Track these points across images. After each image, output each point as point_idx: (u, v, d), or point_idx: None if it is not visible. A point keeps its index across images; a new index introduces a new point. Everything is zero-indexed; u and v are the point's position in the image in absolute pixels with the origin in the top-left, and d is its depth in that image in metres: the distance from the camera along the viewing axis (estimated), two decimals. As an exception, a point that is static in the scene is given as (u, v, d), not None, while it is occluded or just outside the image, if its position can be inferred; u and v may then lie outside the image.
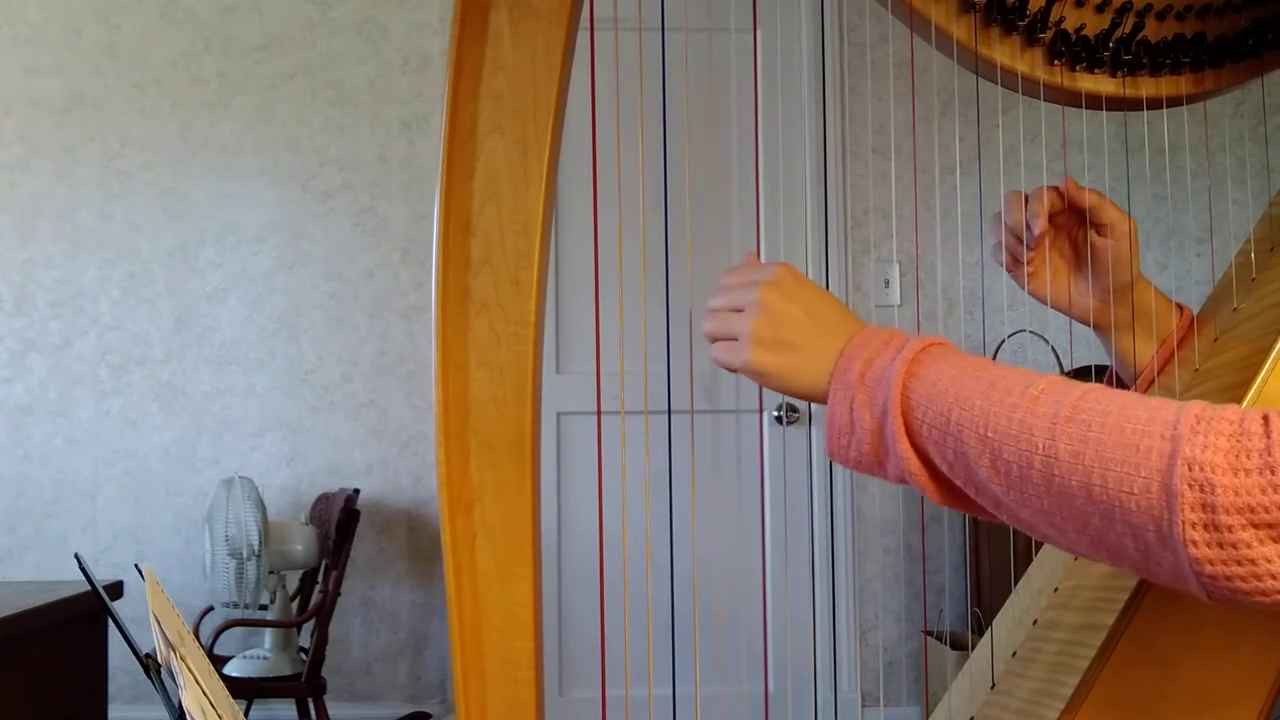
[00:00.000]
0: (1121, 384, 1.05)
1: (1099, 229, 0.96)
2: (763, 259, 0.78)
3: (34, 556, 3.17)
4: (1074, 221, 0.98)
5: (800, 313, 0.73)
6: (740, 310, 0.75)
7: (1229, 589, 0.54)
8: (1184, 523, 0.54)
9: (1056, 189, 0.97)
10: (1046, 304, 1.00)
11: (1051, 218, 0.97)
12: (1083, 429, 0.58)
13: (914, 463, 0.67)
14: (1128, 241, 0.95)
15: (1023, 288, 1.00)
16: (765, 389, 0.75)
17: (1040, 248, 0.98)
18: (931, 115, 3.26)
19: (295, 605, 2.87)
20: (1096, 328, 1.01)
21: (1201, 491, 0.53)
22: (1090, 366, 1.89)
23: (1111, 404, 0.59)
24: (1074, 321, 1.01)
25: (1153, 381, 0.98)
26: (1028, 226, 0.95)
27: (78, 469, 3.18)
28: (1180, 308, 1.01)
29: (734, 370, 0.75)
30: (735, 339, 0.74)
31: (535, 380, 0.86)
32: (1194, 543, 0.54)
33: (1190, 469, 0.54)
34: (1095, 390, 0.60)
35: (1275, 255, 0.96)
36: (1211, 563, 0.54)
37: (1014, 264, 0.99)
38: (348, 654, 3.18)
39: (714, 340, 0.76)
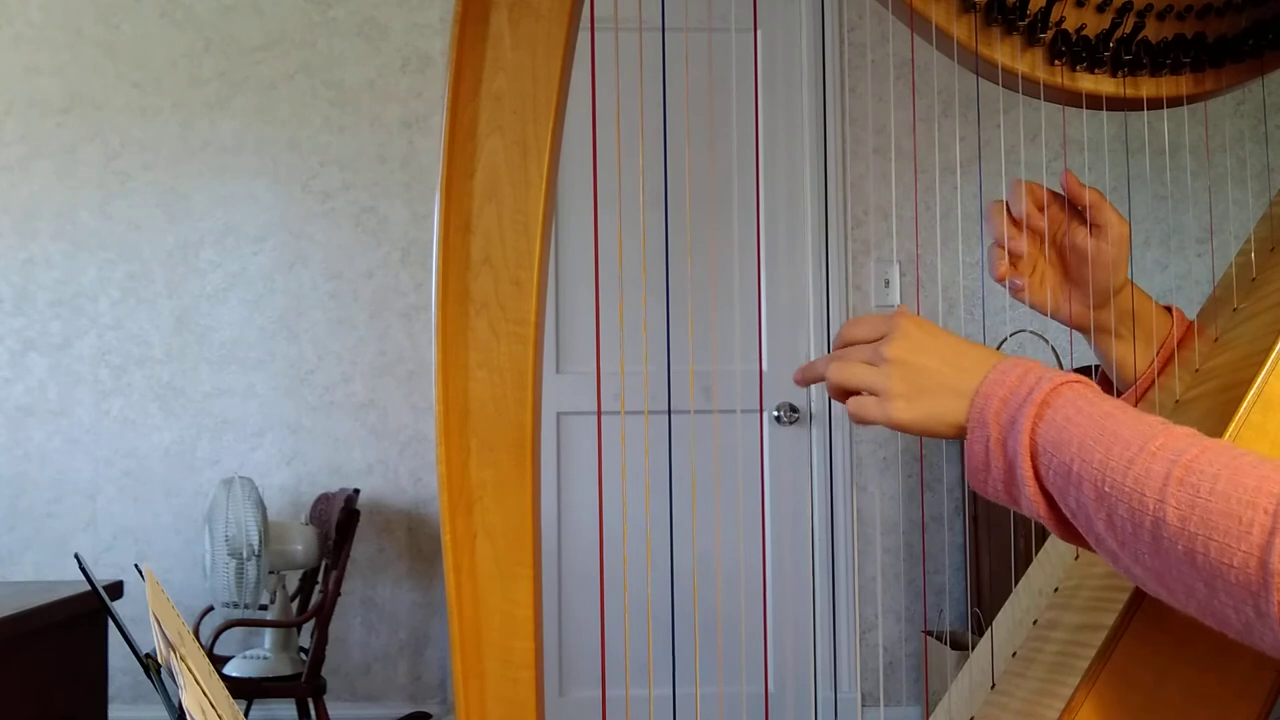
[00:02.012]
0: (1109, 386, 1.04)
1: (1093, 229, 0.95)
2: (763, 259, 0.78)
3: (34, 556, 3.17)
4: (1064, 222, 0.97)
5: (932, 359, 0.73)
6: (871, 365, 0.75)
7: None
8: (1278, 604, 0.53)
9: (1052, 192, 0.96)
10: (1027, 305, 0.99)
11: (1038, 207, 0.95)
12: (1191, 493, 0.57)
13: (1042, 507, 0.67)
14: (1120, 246, 0.94)
15: (1016, 295, 0.99)
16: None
17: (1031, 252, 0.96)
18: (932, 115, 3.26)
19: (295, 605, 2.87)
20: (1079, 330, 1.01)
21: None
22: (1091, 366, 1.89)
23: (1224, 467, 0.57)
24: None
25: (1153, 383, 0.98)
26: (1018, 226, 0.94)
27: (78, 469, 3.18)
28: (1169, 309, 1.00)
29: (871, 424, 0.75)
30: (871, 393, 0.75)
31: (535, 380, 0.86)
32: None
33: None
34: (1212, 450, 0.59)
35: (1276, 255, 0.96)
36: None
37: (1010, 271, 0.98)
38: (348, 654, 3.18)
39: (844, 394, 0.77)
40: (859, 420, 0.75)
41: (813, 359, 0.85)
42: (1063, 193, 0.96)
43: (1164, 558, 0.59)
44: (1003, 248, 0.95)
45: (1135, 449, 0.61)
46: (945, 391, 0.72)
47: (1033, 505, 0.67)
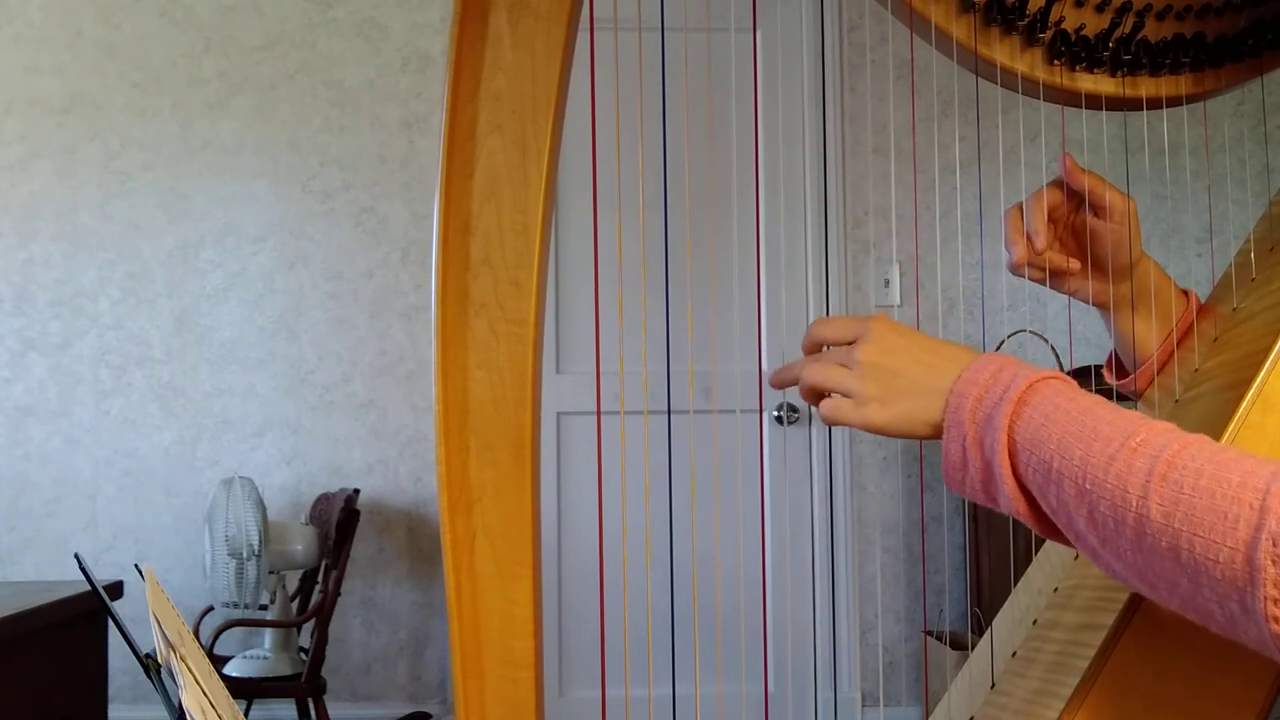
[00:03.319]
0: (1120, 365, 1.04)
1: (1097, 212, 0.95)
2: (763, 259, 0.79)
3: (34, 556, 3.17)
4: (1074, 205, 0.97)
5: (904, 361, 0.73)
6: (845, 366, 0.75)
7: None
8: (1265, 599, 0.53)
9: (1056, 182, 0.97)
10: (1045, 285, 1.00)
11: (1052, 211, 0.96)
12: (1174, 489, 0.57)
13: (1021, 505, 0.67)
14: (1127, 223, 0.94)
15: (1035, 279, 0.99)
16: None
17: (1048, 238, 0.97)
18: (931, 115, 3.26)
19: (295, 605, 2.87)
20: (1098, 306, 1.01)
21: None
22: (1090, 367, 1.88)
23: (1207, 462, 0.57)
24: (1073, 322, 1.01)
25: (1153, 380, 0.98)
26: (1030, 239, 0.95)
27: (78, 469, 3.18)
28: (1186, 293, 1.00)
29: (845, 425, 0.75)
30: (843, 395, 0.74)
31: (535, 380, 0.86)
32: (1275, 619, 0.53)
33: (1275, 545, 0.53)
34: (1194, 445, 0.59)
35: (1275, 255, 0.96)
36: None
37: (1036, 273, 0.99)
38: (348, 654, 3.18)
39: (817, 396, 0.76)
40: (831, 423, 0.75)
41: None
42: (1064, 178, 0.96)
43: (1147, 554, 0.58)
44: (1021, 252, 0.96)
45: (1116, 445, 0.61)
46: (919, 392, 0.72)
47: (1011, 503, 0.67)
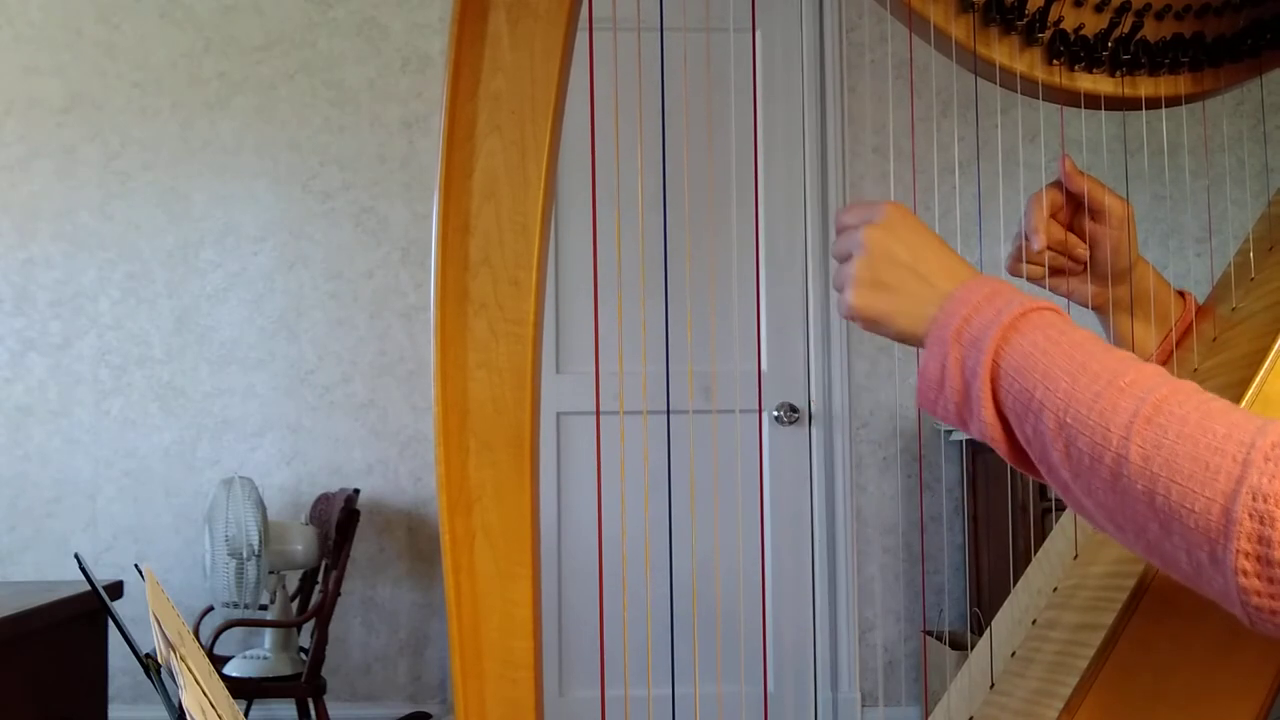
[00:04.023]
0: None
1: (1095, 216, 0.95)
2: (762, 259, 0.79)
3: (34, 556, 3.17)
4: (1072, 208, 0.98)
5: (904, 252, 0.71)
6: (849, 256, 0.74)
7: (1273, 622, 0.53)
8: (1238, 551, 0.53)
9: (1056, 184, 0.97)
10: (1044, 285, 1.00)
11: (1052, 213, 0.96)
12: (1158, 433, 0.56)
13: (996, 430, 0.65)
14: (1125, 228, 0.95)
15: (1034, 282, 1.00)
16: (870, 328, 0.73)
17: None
18: (931, 115, 3.26)
19: (295, 605, 2.87)
20: (1096, 310, 1.01)
21: (1261, 524, 0.52)
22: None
23: (1193, 411, 0.57)
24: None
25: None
26: (1027, 240, 0.95)
27: (78, 469, 3.18)
28: (1183, 294, 1.00)
29: (850, 319, 0.74)
30: (844, 276, 0.74)
31: (535, 380, 0.86)
32: (1244, 572, 0.53)
33: (1254, 499, 0.52)
34: (1183, 391, 0.58)
35: (1274, 255, 0.96)
36: (1259, 594, 0.53)
37: (1035, 270, 0.99)
38: (348, 654, 3.18)
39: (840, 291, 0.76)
40: (839, 310, 0.75)
41: (812, 359, 0.85)
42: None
43: (1120, 495, 0.58)
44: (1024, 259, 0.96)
45: (1104, 382, 0.60)
46: (906, 293, 0.71)
47: (985, 428, 0.66)
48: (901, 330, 0.71)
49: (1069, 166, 0.95)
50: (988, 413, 0.65)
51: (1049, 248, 0.96)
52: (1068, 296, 1.00)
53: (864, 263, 0.72)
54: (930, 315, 0.69)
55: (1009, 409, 0.65)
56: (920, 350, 0.71)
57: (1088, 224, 0.96)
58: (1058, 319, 0.66)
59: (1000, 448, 0.67)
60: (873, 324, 0.72)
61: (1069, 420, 0.60)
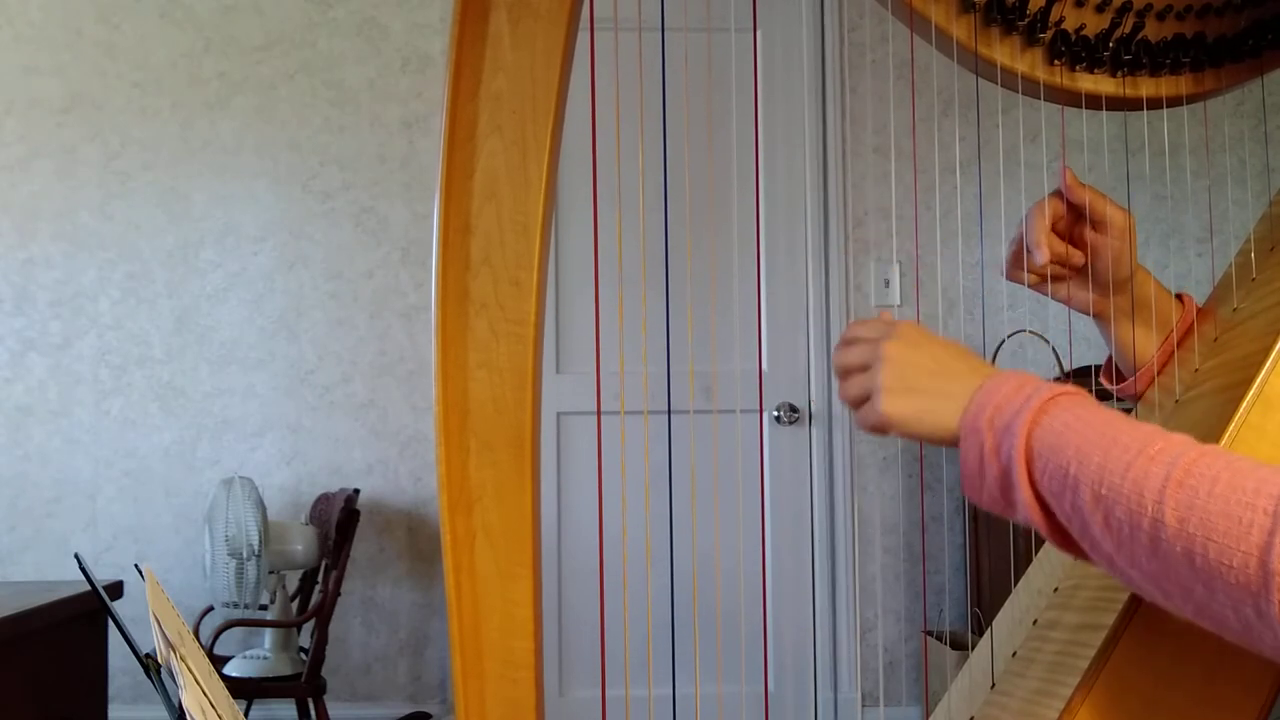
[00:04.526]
0: (1120, 374, 1.05)
1: (1096, 226, 0.96)
2: (763, 259, 0.80)
3: (34, 556, 3.17)
4: (1072, 217, 0.98)
5: (927, 360, 0.75)
6: (868, 368, 0.77)
7: None
8: (1279, 603, 0.53)
9: (1056, 193, 0.97)
10: (1047, 295, 1.00)
11: (1053, 224, 0.97)
12: (1190, 495, 0.57)
13: (1035, 512, 0.67)
14: (1126, 238, 0.95)
15: (1036, 289, 1.00)
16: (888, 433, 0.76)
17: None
18: (932, 115, 3.26)
19: (295, 605, 2.87)
20: (1096, 317, 1.02)
21: None
22: (1090, 366, 1.88)
23: (1223, 470, 0.58)
24: (1073, 323, 1.01)
25: (1153, 381, 0.99)
26: (1029, 252, 0.95)
27: (78, 469, 3.18)
28: (1181, 297, 1.01)
29: (876, 431, 0.76)
30: (866, 391, 0.76)
31: (535, 380, 0.86)
32: None
33: None
34: (1211, 454, 0.60)
35: (1275, 255, 0.96)
36: None
37: (1034, 278, 0.99)
38: (348, 654, 3.18)
39: (855, 406, 0.78)
40: (851, 402, 0.77)
41: (812, 359, 0.86)
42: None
43: (1162, 560, 0.59)
44: (1023, 266, 0.96)
45: (1134, 452, 0.61)
46: (936, 393, 0.73)
47: (1028, 510, 0.68)
48: (934, 427, 0.73)
49: (1070, 179, 0.95)
50: (1026, 495, 0.67)
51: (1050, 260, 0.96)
52: (1067, 303, 1.01)
53: (890, 371, 0.75)
54: (960, 409, 0.72)
55: (1045, 489, 0.66)
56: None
57: (1089, 234, 0.96)
58: (1085, 400, 0.68)
59: (1042, 528, 0.68)
60: (903, 426, 0.74)
61: (1104, 491, 0.62)
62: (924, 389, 0.74)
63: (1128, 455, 0.61)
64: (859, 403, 0.77)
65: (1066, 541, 0.68)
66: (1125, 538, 0.61)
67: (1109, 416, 0.66)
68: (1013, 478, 0.67)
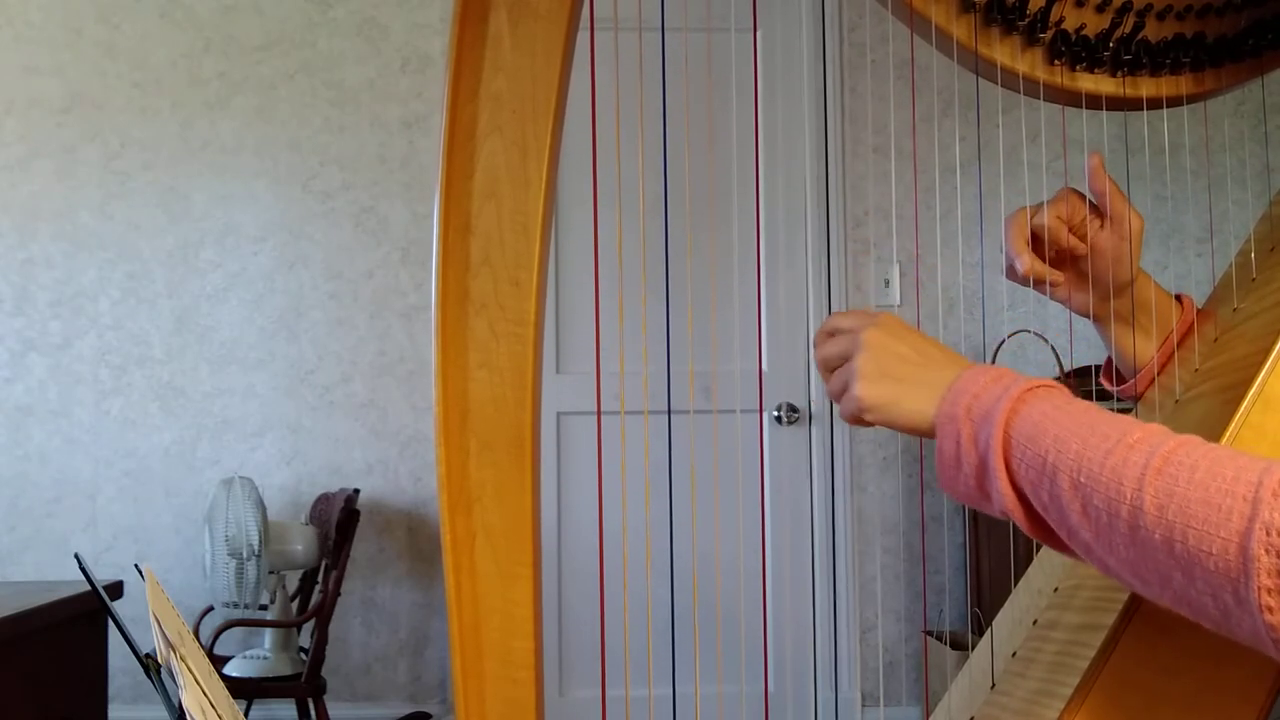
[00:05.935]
0: (1120, 377, 1.04)
1: (1102, 218, 0.94)
2: (763, 259, 0.80)
3: (34, 556, 3.17)
4: (1079, 217, 0.97)
5: (906, 349, 0.75)
6: (849, 359, 0.77)
7: None
8: (1259, 588, 0.53)
9: (1061, 197, 0.95)
10: (1046, 293, 0.99)
11: (1052, 232, 0.95)
12: (1169, 482, 0.58)
13: (1011, 501, 0.67)
14: (1129, 239, 0.94)
15: (1037, 289, 0.99)
16: (867, 421, 0.76)
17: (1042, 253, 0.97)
18: (932, 115, 3.26)
19: (295, 605, 2.87)
20: (1095, 320, 1.01)
21: (1278, 558, 0.52)
22: (1090, 366, 1.89)
23: (1202, 459, 0.58)
24: (1074, 323, 1.01)
25: (1153, 381, 0.98)
26: (1011, 264, 0.94)
27: (78, 469, 3.18)
28: (1180, 298, 1.00)
29: (857, 420, 0.76)
30: (845, 375, 0.77)
31: (535, 380, 0.86)
32: (1269, 609, 0.53)
33: (1268, 534, 0.53)
34: (1190, 443, 0.60)
35: (1275, 255, 0.96)
36: None
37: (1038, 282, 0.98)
38: (348, 654, 3.18)
39: (836, 399, 0.79)
40: (832, 395, 0.78)
41: (812, 359, 0.86)
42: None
43: (1140, 547, 0.59)
44: (1026, 268, 0.95)
45: (1113, 441, 0.62)
46: (913, 381, 0.74)
47: (1004, 500, 0.67)
48: (909, 414, 0.73)
49: (1096, 163, 0.94)
50: (1003, 484, 0.67)
51: (1055, 249, 0.95)
52: (1065, 304, 1.00)
53: (867, 358, 0.75)
54: (937, 398, 0.72)
55: (1023, 478, 0.66)
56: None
57: (1092, 234, 0.95)
58: (1062, 392, 0.69)
59: (1018, 518, 0.68)
60: (880, 411, 0.75)
61: (1083, 479, 0.62)
62: (902, 376, 0.74)
63: (1106, 443, 0.62)
64: (840, 394, 0.78)
65: (1043, 531, 0.68)
66: (1104, 525, 0.61)
67: (1086, 407, 0.66)
68: (990, 467, 0.67)
